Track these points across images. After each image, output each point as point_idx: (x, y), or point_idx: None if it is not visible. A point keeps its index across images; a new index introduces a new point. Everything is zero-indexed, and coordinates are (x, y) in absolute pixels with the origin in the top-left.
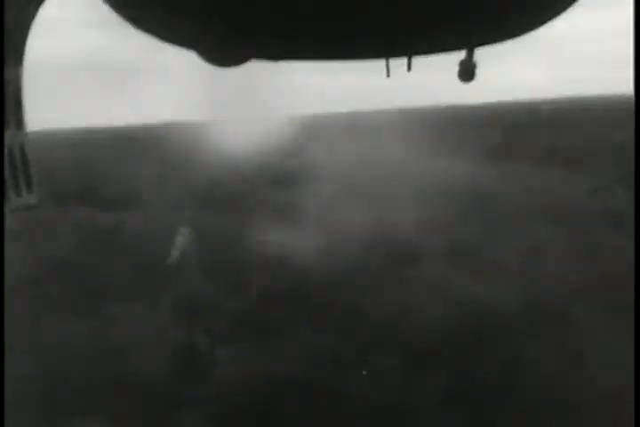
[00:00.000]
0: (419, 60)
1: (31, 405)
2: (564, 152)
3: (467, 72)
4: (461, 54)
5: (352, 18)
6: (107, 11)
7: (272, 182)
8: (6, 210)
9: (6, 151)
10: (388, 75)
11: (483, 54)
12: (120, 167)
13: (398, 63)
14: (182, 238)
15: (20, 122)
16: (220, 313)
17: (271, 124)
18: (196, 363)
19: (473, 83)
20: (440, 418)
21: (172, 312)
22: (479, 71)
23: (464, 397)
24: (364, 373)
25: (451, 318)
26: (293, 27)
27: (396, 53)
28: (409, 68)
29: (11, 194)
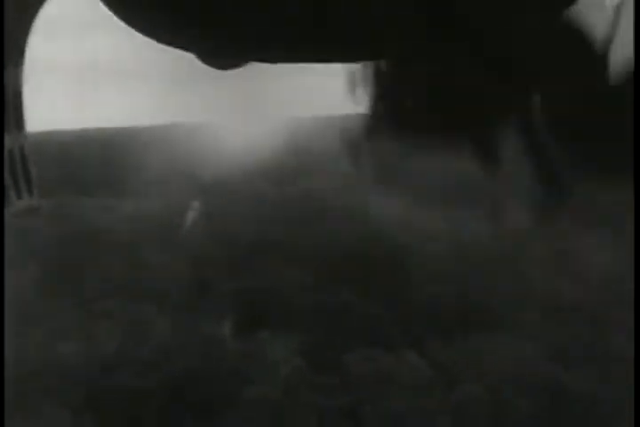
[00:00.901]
0: None
1: None
2: None
3: None
4: None
5: (352, 19)
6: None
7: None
8: (7, 212)
9: (6, 154)
10: None
11: None
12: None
13: None
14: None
15: (20, 124)
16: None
17: (271, 126)
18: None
19: None
20: None
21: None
22: None
23: None
24: None
25: None
26: (292, 29)
27: (395, 55)
28: None
29: (11, 196)
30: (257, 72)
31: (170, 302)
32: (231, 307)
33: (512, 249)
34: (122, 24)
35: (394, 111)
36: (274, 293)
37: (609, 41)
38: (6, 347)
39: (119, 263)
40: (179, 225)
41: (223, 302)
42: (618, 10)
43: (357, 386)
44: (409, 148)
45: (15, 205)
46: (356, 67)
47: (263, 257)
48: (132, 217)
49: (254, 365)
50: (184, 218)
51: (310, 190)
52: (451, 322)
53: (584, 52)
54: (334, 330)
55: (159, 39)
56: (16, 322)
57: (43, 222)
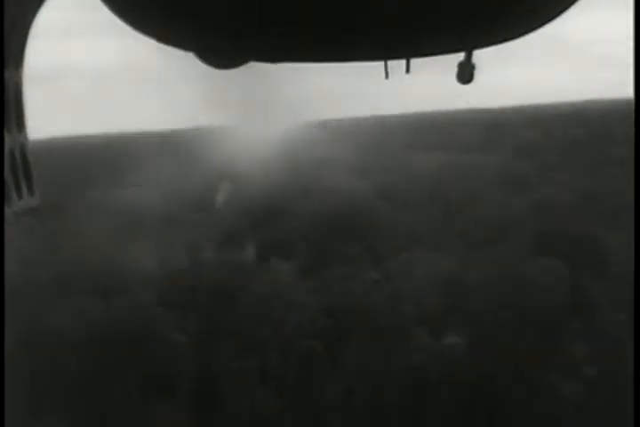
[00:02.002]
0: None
1: None
2: None
3: (465, 74)
4: (460, 56)
5: (351, 20)
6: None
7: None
8: (8, 212)
9: (7, 154)
10: (387, 76)
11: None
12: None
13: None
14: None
15: (21, 125)
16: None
17: (284, 128)
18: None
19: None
20: None
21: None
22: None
23: None
24: None
25: None
26: (292, 28)
27: (394, 55)
28: (407, 70)
29: (12, 196)
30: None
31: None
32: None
33: None
34: (123, 27)
35: None
36: (283, 239)
37: None
38: None
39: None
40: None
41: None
42: None
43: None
44: None
45: (16, 204)
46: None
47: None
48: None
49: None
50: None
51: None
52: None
53: None
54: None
55: (160, 39)
56: None
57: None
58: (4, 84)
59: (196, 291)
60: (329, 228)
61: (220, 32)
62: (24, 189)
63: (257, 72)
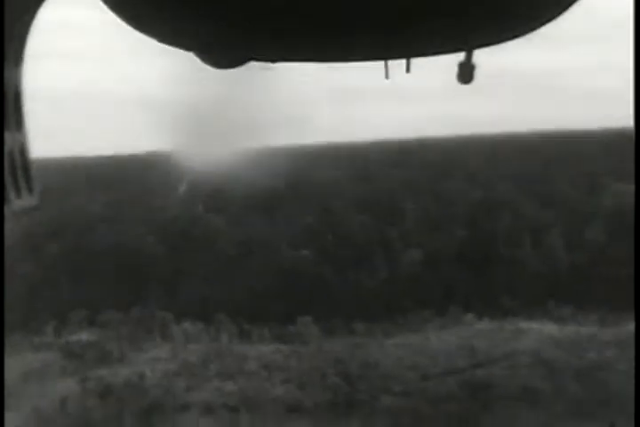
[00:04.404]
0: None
1: None
2: None
3: (465, 74)
4: (460, 56)
5: (351, 19)
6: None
7: None
8: (6, 211)
9: (6, 153)
10: (387, 76)
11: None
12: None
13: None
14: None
15: (19, 123)
16: None
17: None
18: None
19: None
20: None
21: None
22: None
23: None
24: None
25: None
26: (292, 28)
27: (394, 55)
28: (407, 70)
29: (11, 195)
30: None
31: None
32: None
33: None
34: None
35: None
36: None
37: None
38: None
39: None
40: None
41: None
42: None
43: None
44: None
45: (15, 203)
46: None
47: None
48: None
49: None
50: None
51: None
52: None
53: None
54: None
55: (159, 38)
56: None
57: None
58: (4, 83)
59: None
60: None
61: (220, 32)
62: (23, 189)
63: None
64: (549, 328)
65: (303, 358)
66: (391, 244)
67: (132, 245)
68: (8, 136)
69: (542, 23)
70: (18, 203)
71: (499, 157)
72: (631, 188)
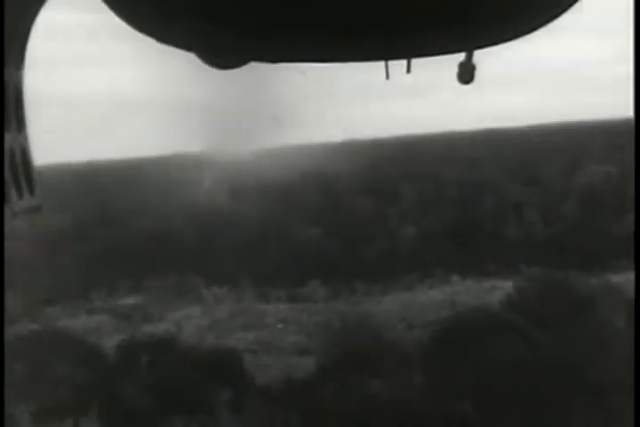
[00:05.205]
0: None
1: None
2: None
3: (466, 74)
4: (461, 56)
5: (351, 19)
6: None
7: None
8: (7, 212)
9: (7, 153)
10: (387, 77)
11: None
12: None
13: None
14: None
15: (21, 124)
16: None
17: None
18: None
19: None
20: None
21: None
22: None
23: None
24: None
25: None
26: (292, 28)
27: (395, 55)
28: (408, 70)
29: (12, 196)
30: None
31: None
32: None
33: None
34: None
35: None
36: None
37: None
38: None
39: None
40: None
41: None
42: None
43: None
44: None
45: (17, 204)
46: None
47: None
48: None
49: None
50: None
51: None
52: None
53: None
54: None
55: (159, 39)
56: None
57: None
58: (4, 83)
59: None
60: None
61: (220, 32)
62: (25, 189)
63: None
64: (520, 285)
65: (312, 314)
66: (390, 222)
67: (167, 227)
68: (9, 137)
69: (542, 23)
70: (19, 204)
71: (497, 147)
72: (603, 168)
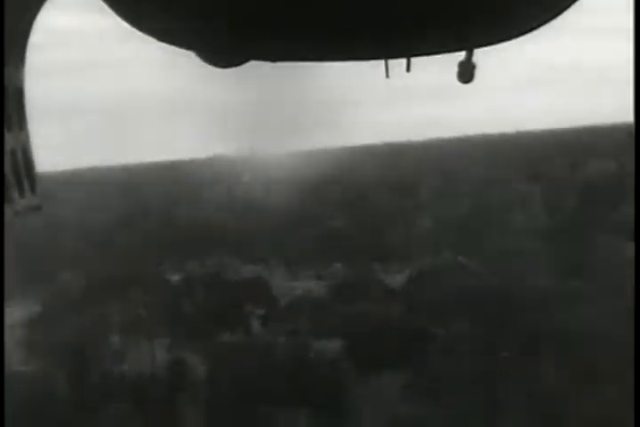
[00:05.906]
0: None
1: None
2: None
3: (466, 73)
4: (461, 55)
5: (351, 18)
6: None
7: None
8: (9, 212)
9: (9, 153)
10: (387, 75)
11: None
12: None
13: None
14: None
15: (22, 123)
16: None
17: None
18: None
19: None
20: None
21: None
22: None
23: None
24: None
25: None
26: (292, 27)
27: (395, 54)
28: (408, 69)
29: (14, 195)
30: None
31: None
32: None
33: None
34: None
35: None
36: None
37: None
38: None
39: None
40: None
41: None
42: None
43: None
44: None
45: (18, 203)
46: None
47: None
48: None
49: None
50: None
51: None
52: None
53: None
54: None
55: (160, 38)
56: None
57: None
58: (4, 83)
59: None
60: None
61: (220, 31)
62: (26, 188)
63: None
64: None
65: (333, 289)
66: (407, 213)
67: (207, 217)
68: (11, 136)
69: (542, 23)
70: (21, 203)
71: (510, 148)
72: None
